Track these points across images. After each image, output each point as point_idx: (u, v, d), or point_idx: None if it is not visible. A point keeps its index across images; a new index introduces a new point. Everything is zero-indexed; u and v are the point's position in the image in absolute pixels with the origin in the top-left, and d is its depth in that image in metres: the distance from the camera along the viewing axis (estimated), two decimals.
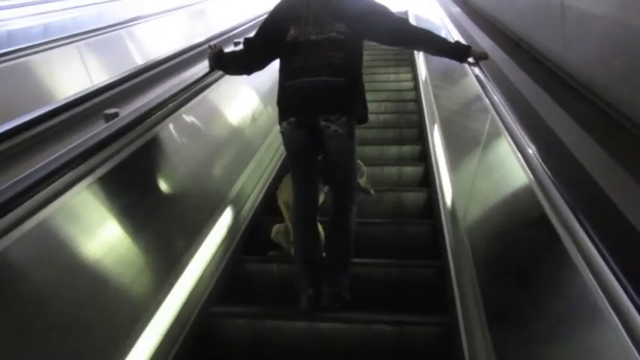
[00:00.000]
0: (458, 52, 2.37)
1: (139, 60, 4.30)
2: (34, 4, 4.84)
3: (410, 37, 2.41)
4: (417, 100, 5.07)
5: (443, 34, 3.14)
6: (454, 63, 2.57)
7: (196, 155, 2.66)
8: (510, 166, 1.56)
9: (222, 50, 2.57)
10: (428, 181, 3.48)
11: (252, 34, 2.51)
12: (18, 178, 1.39)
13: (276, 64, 2.47)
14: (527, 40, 2.39)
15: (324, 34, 2.29)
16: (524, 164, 1.39)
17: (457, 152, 2.82)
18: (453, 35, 3.17)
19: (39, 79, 3.71)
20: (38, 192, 1.42)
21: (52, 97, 3.52)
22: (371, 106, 2.58)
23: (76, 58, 4.15)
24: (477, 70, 2.31)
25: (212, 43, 2.66)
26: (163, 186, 2.25)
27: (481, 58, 2.31)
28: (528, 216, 1.44)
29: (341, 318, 2.25)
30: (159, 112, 2.21)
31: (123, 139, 1.89)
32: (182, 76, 2.75)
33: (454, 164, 2.76)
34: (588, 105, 1.57)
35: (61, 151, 1.59)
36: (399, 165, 3.81)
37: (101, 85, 2.44)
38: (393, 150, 4.16)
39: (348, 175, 2.41)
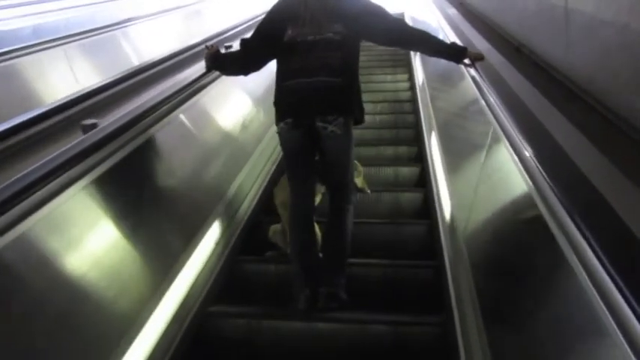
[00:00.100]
0: (454, 53, 2.39)
1: (127, 63, 4.14)
2: (24, 5, 4.74)
3: (406, 38, 2.42)
4: (413, 100, 5.08)
5: (440, 37, 3.14)
6: (451, 66, 2.58)
7: (185, 162, 2.57)
8: (507, 169, 1.57)
9: (218, 51, 2.57)
10: (424, 181, 3.49)
11: (247, 35, 2.52)
12: None
13: (271, 66, 2.48)
14: (528, 44, 2.34)
15: (321, 34, 2.30)
16: (521, 167, 1.39)
17: (453, 154, 2.83)
18: (450, 38, 3.18)
19: (19, 84, 3.60)
20: (11, 208, 1.35)
21: (30, 104, 3.32)
22: (367, 107, 2.59)
23: (62, 62, 4.04)
24: (472, 71, 2.32)
25: (209, 43, 2.66)
26: (150, 195, 2.16)
27: (477, 59, 2.32)
28: (524, 217, 1.44)
29: (338, 318, 2.26)
30: (143, 121, 2.11)
31: (102, 151, 1.79)
32: (167, 84, 2.64)
33: (450, 166, 2.77)
34: (593, 113, 1.53)
35: (32, 167, 1.49)
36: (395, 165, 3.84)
37: (79, 94, 2.32)
38: (388, 145, 4.19)
39: (344, 176, 2.41)
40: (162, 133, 2.31)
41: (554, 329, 1.09)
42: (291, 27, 2.34)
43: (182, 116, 2.60)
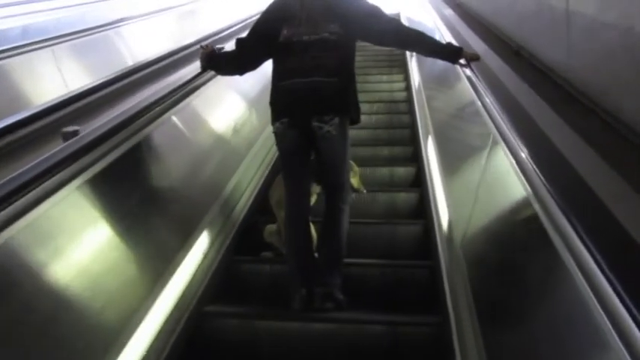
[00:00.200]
0: (450, 53, 2.39)
1: (116, 66, 3.82)
2: (14, 5, 4.66)
3: (402, 38, 2.42)
4: (409, 100, 5.09)
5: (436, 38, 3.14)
6: (447, 67, 2.58)
7: (176, 166, 2.52)
8: (504, 170, 1.57)
9: (214, 50, 2.57)
10: (420, 182, 3.49)
11: (243, 35, 2.52)
12: None
13: (264, 67, 2.48)
14: (528, 47, 2.28)
15: (317, 34, 2.29)
16: (518, 169, 1.39)
17: (449, 155, 2.83)
18: (447, 39, 3.18)
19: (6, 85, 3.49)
20: None
21: (14, 107, 3.15)
22: (362, 107, 2.58)
23: (49, 64, 3.92)
24: (468, 71, 2.33)
25: (204, 43, 2.65)
26: (140, 199, 2.09)
27: (473, 59, 2.32)
28: (521, 219, 1.44)
29: (333, 318, 2.25)
30: (129, 127, 2.03)
31: (84, 159, 1.72)
32: (158, 86, 2.55)
33: (446, 167, 2.77)
34: (596, 119, 1.49)
35: (6, 178, 1.42)
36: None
37: (60, 100, 2.22)
38: (384, 146, 4.19)
39: (340, 176, 2.41)
40: (150, 139, 2.25)
41: (551, 331, 1.09)
42: (286, 27, 2.34)
43: (170, 121, 2.53)
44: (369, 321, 2.24)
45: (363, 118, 2.53)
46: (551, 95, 1.71)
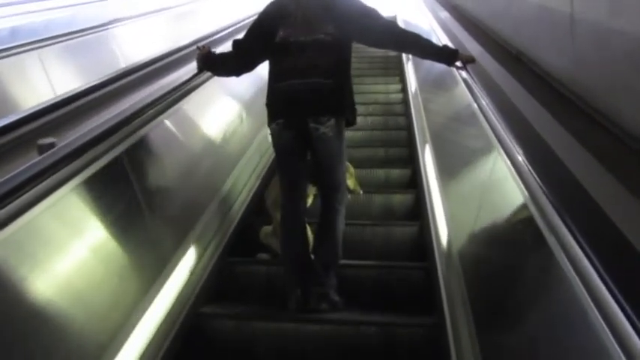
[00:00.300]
0: (445, 55, 2.40)
1: (104, 69, 3.50)
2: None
3: (398, 40, 2.43)
4: (405, 102, 5.10)
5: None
6: (445, 73, 2.58)
7: (166, 173, 2.42)
8: (500, 174, 1.57)
9: (210, 51, 2.56)
10: (416, 184, 3.50)
11: (240, 36, 2.51)
12: None
13: (259, 69, 2.48)
14: (528, 54, 2.20)
15: (313, 35, 2.30)
16: (514, 173, 1.39)
17: (446, 159, 2.83)
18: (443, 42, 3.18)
19: None
20: None
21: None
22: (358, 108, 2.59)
23: (34, 68, 3.77)
24: (464, 73, 2.34)
25: (201, 44, 2.65)
26: (129, 208, 1.99)
27: (468, 61, 2.33)
28: (518, 223, 1.44)
29: (329, 319, 2.26)
30: (112, 137, 1.90)
31: (61, 173, 1.60)
32: (138, 95, 2.37)
33: (443, 171, 2.77)
34: (605, 133, 1.42)
35: None
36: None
37: (35, 110, 2.08)
38: (380, 147, 4.19)
39: (336, 177, 2.41)
40: (139, 145, 2.16)
41: (547, 334, 1.09)
42: (283, 28, 2.34)
43: (162, 125, 2.46)
44: (364, 322, 2.24)
45: (358, 119, 2.53)
46: (548, 99, 1.70)
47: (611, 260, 0.88)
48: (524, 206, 1.29)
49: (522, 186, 1.32)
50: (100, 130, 1.84)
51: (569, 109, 1.60)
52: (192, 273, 2.34)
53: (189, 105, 2.81)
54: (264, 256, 2.87)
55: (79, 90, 2.37)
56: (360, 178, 3.33)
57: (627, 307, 0.77)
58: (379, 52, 6.78)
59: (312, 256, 2.43)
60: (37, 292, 1.43)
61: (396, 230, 2.99)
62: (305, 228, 2.49)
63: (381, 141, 4.46)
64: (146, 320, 1.87)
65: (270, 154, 3.67)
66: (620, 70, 1.40)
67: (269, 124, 2.41)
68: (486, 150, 1.82)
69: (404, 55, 6.03)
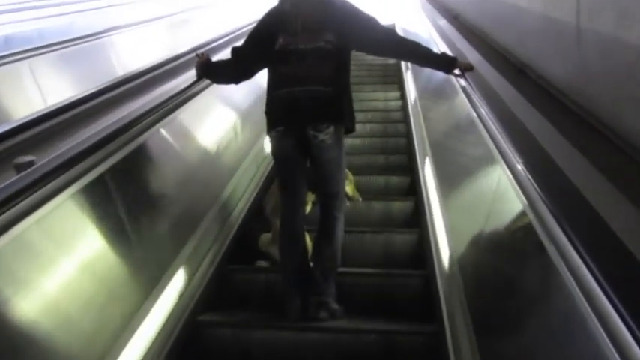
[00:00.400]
0: (444, 63, 2.41)
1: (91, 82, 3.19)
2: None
3: (397, 48, 2.44)
4: (404, 108, 5.11)
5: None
6: (445, 83, 2.58)
7: (162, 183, 2.38)
8: (500, 182, 1.57)
9: (209, 59, 2.57)
10: (414, 190, 3.49)
11: (239, 43, 2.52)
12: None
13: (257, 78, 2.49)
14: (533, 66, 2.11)
15: (313, 43, 2.30)
16: (514, 182, 1.39)
17: (445, 167, 2.83)
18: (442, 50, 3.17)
19: None
20: None
21: None
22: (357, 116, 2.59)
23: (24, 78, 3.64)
24: (462, 81, 2.34)
25: (199, 51, 2.65)
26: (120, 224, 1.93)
27: (467, 69, 2.34)
28: (517, 230, 1.44)
29: (328, 328, 2.25)
30: (92, 157, 1.78)
31: (40, 193, 1.51)
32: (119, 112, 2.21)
33: (442, 179, 2.77)
34: (610, 146, 1.37)
35: None
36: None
37: (14, 125, 1.96)
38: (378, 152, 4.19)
39: (335, 184, 2.41)
40: (131, 157, 2.08)
41: (547, 341, 1.09)
42: (282, 36, 2.34)
43: (158, 135, 2.42)
44: (364, 330, 2.24)
45: (357, 127, 2.53)
46: (548, 108, 1.67)
47: (611, 270, 0.87)
48: (523, 214, 1.29)
49: (521, 194, 1.32)
50: (83, 147, 1.74)
51: (571, 118, 1.58)
52: (190, 280, 2.33)
53: (181, 117, 2.80)
54: (263, 263, 2.86)
55: (61, 105, 2.22)
56: (359, 184, 3.33)
57: (627, 317, 0.77)
58: (377, 61, 6.81)
59: (311, 264, 2.42)
60: (21, 314, 1.38)
61: (395, 237, 2.99)
62: (304, 235, 2.48)
63: (380, 148, 4.47)
64: (144, 328, 1.86)
65: (269, 161, 3.67)
66: (628, 81, 1.37)
67: (268, 132, 2.41)
68: (486, 159, 1.82)
69: (403, 64, 6.04)
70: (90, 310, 1.64)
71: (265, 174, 3.70)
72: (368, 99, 5.65)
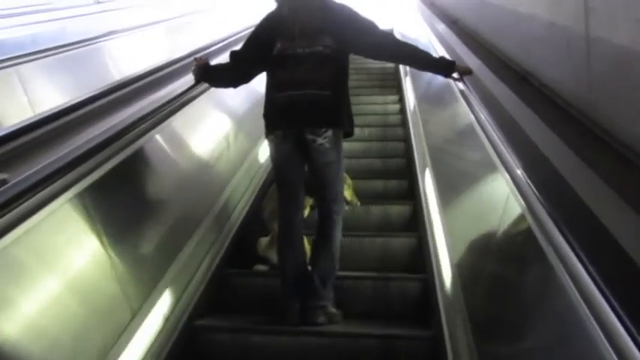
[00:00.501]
0: (442, 67, 2.41)
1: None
2: None
3: (395, 51, 2.44)
4: (402, 112, 5.11)
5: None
6: (444, 89, 2.57)
7: (156, 190, 2.35)
8: (499, 186, 1.57)
9: (207, 63, 2.57)
10: (413, 195, 3.49)
11: (238, 47, 2.52)
12: None
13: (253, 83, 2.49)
14: (536, 75, 2.00)
15: (311, 47, 2.30)
16: (513, 187, 1.39)
17: (444, 171, 2.83)
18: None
19: None
20: None
21: None
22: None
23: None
24: (461, 85, 2.34)
25: (197, 55, 2.65)
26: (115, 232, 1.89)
27: (465, 73, 2.34)
28: (516, 235, 1.43)
29: (326, 332, 2.24)
30: (71, 173, 1.68)
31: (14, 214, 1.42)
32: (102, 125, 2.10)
33: (439, 180, 2.77)
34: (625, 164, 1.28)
35: None
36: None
37: None
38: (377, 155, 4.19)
39: (333, 188, 2.41)
40: (121, 168, 2.01)
41: (546, 347, 1.08)
42: (280, 40, 2.34)
43: (152, 141, 2.38)
44: (362, 335, 2.23)
45: (356, 130, 2.53)
46: (550, 115, 1.63)
47: (613, 276, 0.87)
48: (523, 219, 1.28)
49: (520, 199, 1.31)
50: (61, 163, 1.63)
51: (576, 128, 1.54)
52: (188, 285, 2.32)
53: (184, 117, 2.80)
54: (261, 267, 2.85)
55: (38, 118, 2.05)
56: (356, 189, 3.32)
57: (627, 321, 0.77)
58: (375, 68, 6.83)
59: (310, 268, 2.42)
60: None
61: (394, 241, 2.98)
62: (302, 240, 2.47)
63: (377, 151, 4.47)
64: (141, 333, 1.86)
65: (267, 164, 3.67)
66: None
67: (267, 136, 2.41)
68: (484, 163, 1.81)
69: (401, 69, 6.05)
70: (87, 312, 1.64)
71: (264, 177, 3.70)
72: (367, 102, 5.65)
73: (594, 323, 0.84)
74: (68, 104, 2.24)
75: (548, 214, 1.12)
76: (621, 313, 0.78)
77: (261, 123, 2.43)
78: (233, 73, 2.52)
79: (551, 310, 1.10)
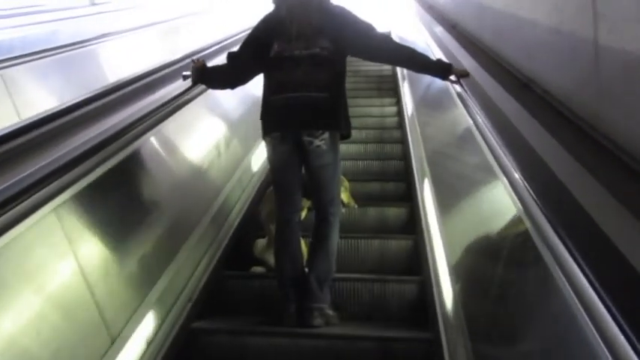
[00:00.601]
0: (440, 69, 2.41)
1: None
2: None
3: (393, 54, 2.45)
4: (400, 114, 5.12)
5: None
6: (442, 93, 2.57)
7: (152, 192, 2.31)
8: (496, 190, 1.57)
9: (205, 64, 2.56)
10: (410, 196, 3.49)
11: (236, 48, 2.52)
12: None
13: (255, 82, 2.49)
14: (540, 82, 1.92)
15: (308, 49, 2.30)
16: (510, 189, 1.38)
17: (441, 173, 2.83)
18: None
19: None
20: None
21: None
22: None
23: None
24: (458, 87, 2.35)
25: (195, 57, 2.65)
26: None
27: (462, 75, 2.34)
28: (513, 238, 1.43)
29: (323, 334, 2.24)
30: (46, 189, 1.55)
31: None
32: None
33: (438, 184, 2.77)
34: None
35: None
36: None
37: None
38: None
39: (330, 190, 2.41)
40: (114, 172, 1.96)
41: (543, 349, 1.08)
42: (277, 42, 2.34)
43: (147, 143, 2.35)
44: (359, 337, 2.23)
45: (353, 132, 2.54)
46: (550, 121, 1.61)
47: (611, 281, 0.87)
48: (520, 222, 1.28)
49: (517, 202, 1.32)
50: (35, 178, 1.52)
51: (577, 135, 1.50)
52: (184, 287, 2.31)
53: (181, 119, 2.80)
54: (258, 269, 2.84)
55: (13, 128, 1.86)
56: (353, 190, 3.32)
57: (624, 324, 0.77)
58: (373, 72, 6.84)
59: (307, 270, 2.41)
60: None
61: (391, 243, 2.98)
62: (299, 242, 2.47)
63: (374, 153, 4.48)
64: (137, 335, 1.86)
65: (264, 166, 3.66)
66: None
67: (264, 137, 2.41)
68: (482, 166, 1.81)
69: (399, 73, 6.05)
70: (85, 314, 1.63)
71: (261, 179, 3.69)
72: (364, 105, 5.66)
73: (590, 325, 0.84)
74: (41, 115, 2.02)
75: (545, 216, 1.12)
76: (619, 318, 0.78)
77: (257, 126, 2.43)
78: (230, 75, 2.52)
79: (548, 312, 1.10)
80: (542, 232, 1.12)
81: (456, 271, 1.97)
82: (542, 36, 1.91)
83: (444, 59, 2.59)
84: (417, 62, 2.47)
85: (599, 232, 0.98)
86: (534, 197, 1.21)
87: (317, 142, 2.29)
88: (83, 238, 1.74)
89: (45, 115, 2.00)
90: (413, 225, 3.11)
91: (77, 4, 5.85)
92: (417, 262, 2.75)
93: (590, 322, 0.85)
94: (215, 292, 2.56)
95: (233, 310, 2.56)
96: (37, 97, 3.60)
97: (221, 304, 2.55)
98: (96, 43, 4.66)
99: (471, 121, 2.05)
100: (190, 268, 2.43)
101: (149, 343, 1.93)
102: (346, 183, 2.96)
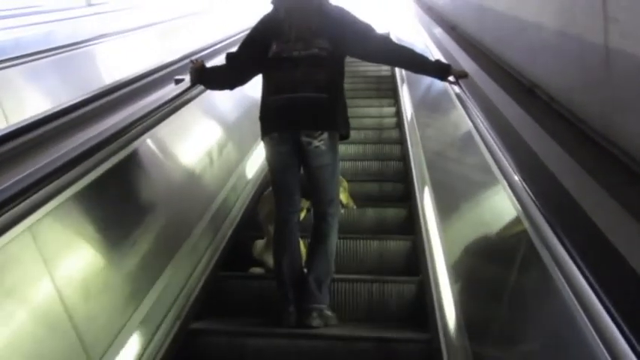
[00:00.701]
0: (438, 70, 2.41)
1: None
2: None
3: (391, 54, 2.45)
4: (398, 115, 5.12)
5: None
6: (441, 96, 2.56)
7: (152, 192, 2.31)
8: (495, 190, 1.57)
9: (204, 65, 2.56)
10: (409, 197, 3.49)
11: (234, 49, 2.52)
12: None
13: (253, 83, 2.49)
14: (546, 87, 1.86)
15: (307, 50, 2.30)
16: (509, 191, 1.38)
17: (440, 174, 2.83)
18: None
19: None
20: None
21: None
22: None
23: None
24: (457, 88, 2.35)
25: (194, 58, 2.65)
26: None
27: (461, 76, 2.34)
28: (512, 239, 1.43)
29: (322, 335, 2.24)
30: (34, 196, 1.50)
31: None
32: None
33: (436, 184, 2.77)
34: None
35: None
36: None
37: None
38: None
39: (329, 191, 2.41)
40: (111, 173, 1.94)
41: (542, 349, 1.08)
42: (276, 42, 2.34)
43: (143, 146, 2.31)
44: (358, 338, 2.23)
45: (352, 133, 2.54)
46: (552, 124, 1.59)
47: (610, 282, 0.87)
48: (519, 224, 1.28)
49: (516, 202, 1.32)
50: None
51: (578, 138, 1.50)
52: (183, 288, 2.31)
53: (180, 120, 2.79)
54: (257, 270, 2.84)
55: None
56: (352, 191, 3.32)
57: (622, 323, 0.77)
58: (371, 73, 6.84)
59: (305, 271, 2.41)
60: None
61: (389, 244, 2.98)
62: (298, 242, 2.47)
63: (373, 154, 4.48)
64: (135, 337, 1.85)
65: (263, 167, 3.66)
66: None
67: (262, 138, 2.41)
68: (480, 167, 1.81)
69: (398, 75, 6.05)
70: (82, 316, 1.63)
71: (260, 180, 3.69)
72: (362, 105, 5.66)
73: (589, 326, 0.84)
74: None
75: (544, 217, 1.12)
76: (618, 319, 0.78)
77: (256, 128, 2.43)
78: (229, 76, 2.52)
79: (547, 313, 1.10)
80: (541, 232, 1.12)
81: (455, 272, 1.97)
82: (548, 39, 1.86)
83: (443, 60, 2.60)
84: (416, 63, 2.47)
85: (599, 234, 0.98)
86: (533, 198, 1.22)
87: (316, 143, 2.29)
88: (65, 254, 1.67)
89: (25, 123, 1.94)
90: (412, 225, 3.11)
91: (73, 5, 5.82)
92: (416, 263, 2.75)
93: (589, 323, 0.85)
94: (214, 292, 2.56)
95: (232, 311, 2.55)
96: (28, 99, 3.57)
97: (220, 305, 2.55)
98: (92, 45, 4.63)
99: (469, 122, 2.05)
100: (190, 268, 2.43)
101: (146, 346, 1.92)
102: (345, 183, 2.96)
